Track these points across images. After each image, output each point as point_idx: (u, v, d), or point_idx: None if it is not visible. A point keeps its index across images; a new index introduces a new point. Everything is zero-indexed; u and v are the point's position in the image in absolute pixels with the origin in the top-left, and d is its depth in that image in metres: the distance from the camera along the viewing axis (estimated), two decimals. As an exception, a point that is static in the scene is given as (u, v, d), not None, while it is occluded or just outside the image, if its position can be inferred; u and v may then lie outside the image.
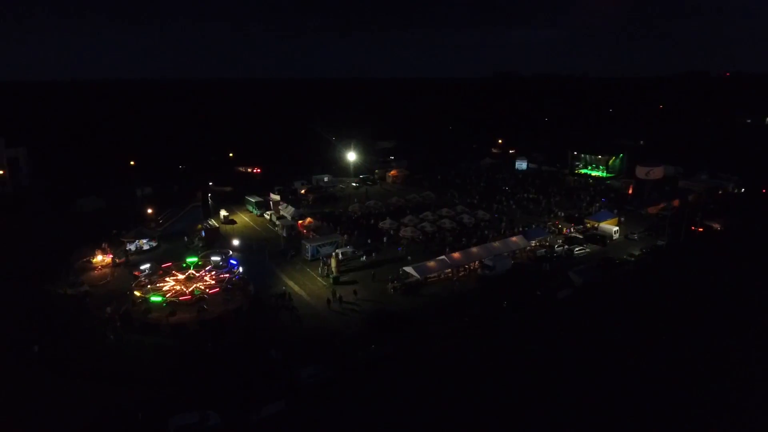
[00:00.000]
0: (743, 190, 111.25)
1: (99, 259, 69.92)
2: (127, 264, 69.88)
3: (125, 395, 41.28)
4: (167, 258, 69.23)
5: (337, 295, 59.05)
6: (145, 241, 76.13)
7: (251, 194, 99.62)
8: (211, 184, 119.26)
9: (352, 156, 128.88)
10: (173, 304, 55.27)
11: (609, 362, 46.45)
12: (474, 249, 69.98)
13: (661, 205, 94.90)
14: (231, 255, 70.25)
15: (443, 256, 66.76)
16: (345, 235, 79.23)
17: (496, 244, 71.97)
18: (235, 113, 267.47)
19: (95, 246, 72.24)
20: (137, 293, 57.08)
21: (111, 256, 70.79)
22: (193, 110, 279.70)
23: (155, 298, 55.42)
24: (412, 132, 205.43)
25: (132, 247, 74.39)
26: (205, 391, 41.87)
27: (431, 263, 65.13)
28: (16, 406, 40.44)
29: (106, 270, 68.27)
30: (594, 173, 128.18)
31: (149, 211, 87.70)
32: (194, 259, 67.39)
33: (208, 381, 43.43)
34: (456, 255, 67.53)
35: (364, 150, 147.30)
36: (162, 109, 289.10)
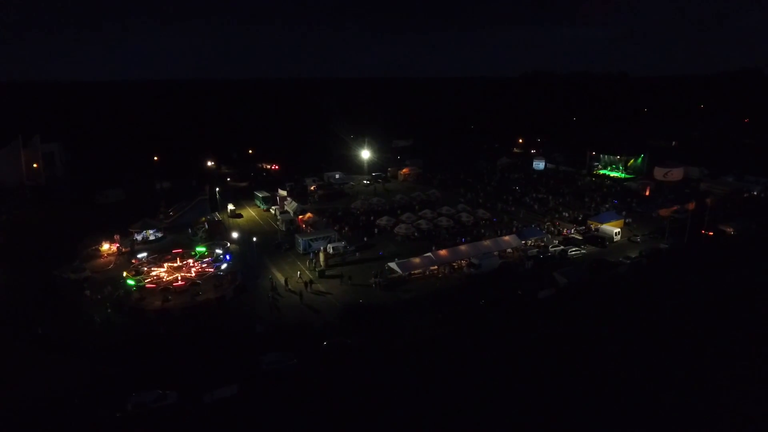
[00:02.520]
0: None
1: (106, 247, 74.17)
2: (131, 253, 73.81)
3: (88, 371, 44.31)
4: (172, 248, 72.93)
5: (311, 285, 61.33)
6: (151, 231, 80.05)
7: (260, 189, 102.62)
8: (228, 179, 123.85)
9: (366, 154, 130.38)
10: (142, 291, 58.40)
11: (577, 361, 45.83)
12: (462, 247, 69.86)
13: (674, 208, 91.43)
14: (228, 248, 73.21)
15: (429, 253, 67.07)
16: (343, 230, 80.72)
17: (487, 242, 71.55)
18: (257, 111, 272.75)
19: (107, 235, 76.61)
20: (125, 273, 60.72)
21: (117, 245, 74.94)
22: (218, 108, 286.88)
23: (130, 282, 58.90)
24: (434, 131, 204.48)
25: (139, 237, 78.43)
26: (168, 372, 44.19)
27: (416, 259, 65.59)
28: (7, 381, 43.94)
29: (111, 258, 72.40)
30: (613, 174, 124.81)
31: (162, 203, 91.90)
32: (203, 249, 71.25)
33: (171, 362, 45.80)
34: (442, 252, 67.69)
35: (381, 148, 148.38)
36: (188, 106, 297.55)
